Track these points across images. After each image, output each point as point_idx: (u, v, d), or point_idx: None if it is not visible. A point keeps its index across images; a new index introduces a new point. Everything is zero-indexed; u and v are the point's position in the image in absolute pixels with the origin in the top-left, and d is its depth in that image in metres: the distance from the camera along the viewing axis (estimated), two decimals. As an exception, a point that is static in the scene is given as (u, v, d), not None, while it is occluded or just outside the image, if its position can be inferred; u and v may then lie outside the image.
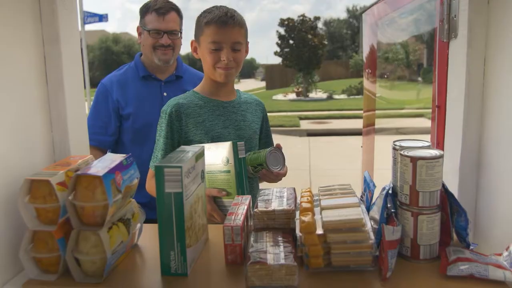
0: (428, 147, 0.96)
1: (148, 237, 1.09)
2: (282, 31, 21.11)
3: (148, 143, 1.66)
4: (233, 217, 0.97)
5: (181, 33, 1.86)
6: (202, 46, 1.43)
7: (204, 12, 1.44)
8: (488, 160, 1.03)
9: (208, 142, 1.40)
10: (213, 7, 1.44)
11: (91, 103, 1.87)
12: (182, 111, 1.43)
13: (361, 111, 3.41)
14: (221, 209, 1.35)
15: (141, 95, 1.83)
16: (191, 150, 0.98)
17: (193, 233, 0.93)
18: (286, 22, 20.98)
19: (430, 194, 0.90)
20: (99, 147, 1.81)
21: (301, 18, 20.85)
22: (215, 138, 1.43)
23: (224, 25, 1.38)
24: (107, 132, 1.83)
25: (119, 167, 0.91)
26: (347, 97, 19.00)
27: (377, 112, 3.00)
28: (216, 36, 1.39)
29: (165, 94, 1.85)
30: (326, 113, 13.35)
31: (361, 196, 1.08)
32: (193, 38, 1.52)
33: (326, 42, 21.40)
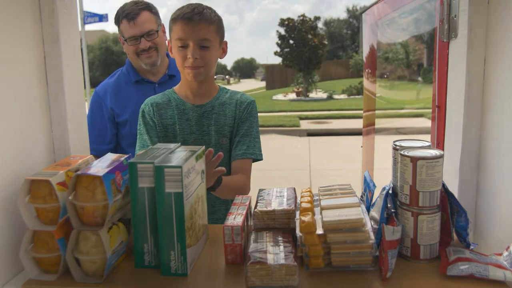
0: (428, 147, 0.96)
1: (148, 237, 1.09)
2: (282, 31, 21.10)
3: None
4: (233, 217, 0.97)
5: (158, 31, 1.79)
6: (172, 44, 1.39)
7: (176, 10, 1.40)
8: (488, 160, 1.03)
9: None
10: (187, 4, 1.39)
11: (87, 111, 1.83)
12: (156, 111, 1.43)
13: (361, 111, 3.41)
14: None
15: (136, 100, 1.75)
16: (191, 150, 0.98)
17: (193, 233, 0.93)
18: (286, 22, 20.97)
19: (430, 194, 0.90)
20: (98, 156, 1.79)
21: (301, 18, 20.84)
22: (181, 143, 1.40)
23: (189, 21, 1.32)
24: (105, 140, 1.81)
25: (119, 167, 0.91)
26: (347, 97, 19.00)
27: (377, 112, 3.00)
28: (182, 33, 1.34)
29: None
30: (326, 113, 13.35)
31: (361, 196, 1.08)
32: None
33: (326, 42, 21.36)
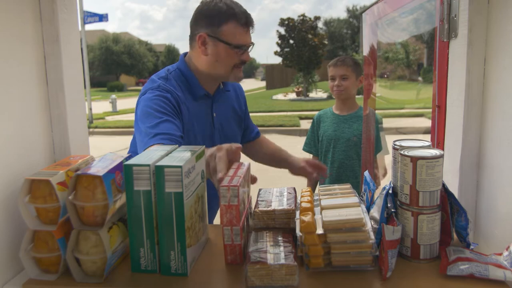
0: (428, 147, 0.96)
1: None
2: (282, 30, 21.07)
3: None
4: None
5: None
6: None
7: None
8: (488, 160, 1.03)
9: None
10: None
11: (138, 111, 1.42)
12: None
13: (361, 111, 3.39)
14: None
15: (193, 120, 1.49)
16: (191, 150, 0.98)
17: (193, 233, 0.93)
18: (286, 22, 20.94)
19: (430, 193, 0.90)
20: (171, 141, 1.28)
21: (301, 17, 20.81)
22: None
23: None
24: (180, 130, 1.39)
25: (119, 167, 0.91)
26: (347, 97, 18.94)
27: (377, 112, 2.99)
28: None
29: (214, 114, 1.57)
30: (326, 113, 13.33)
31: (361, 196, 1.08)
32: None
33: (326, 42, 21.33)
